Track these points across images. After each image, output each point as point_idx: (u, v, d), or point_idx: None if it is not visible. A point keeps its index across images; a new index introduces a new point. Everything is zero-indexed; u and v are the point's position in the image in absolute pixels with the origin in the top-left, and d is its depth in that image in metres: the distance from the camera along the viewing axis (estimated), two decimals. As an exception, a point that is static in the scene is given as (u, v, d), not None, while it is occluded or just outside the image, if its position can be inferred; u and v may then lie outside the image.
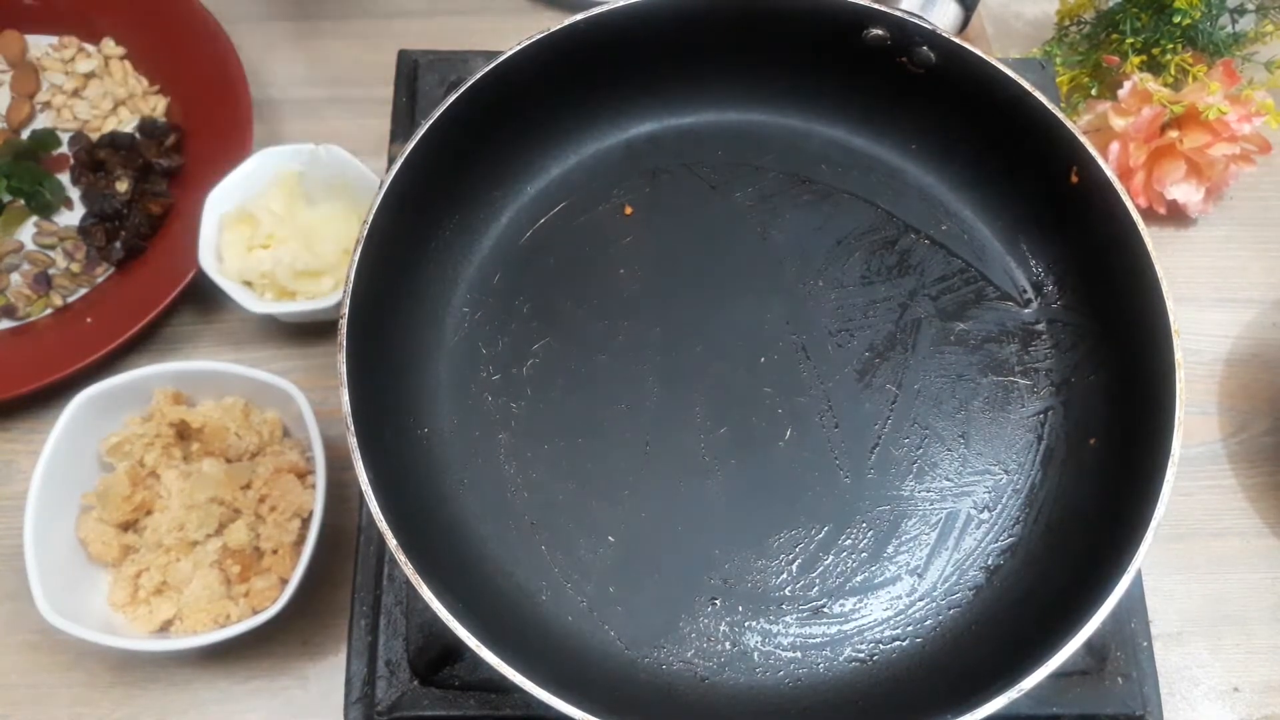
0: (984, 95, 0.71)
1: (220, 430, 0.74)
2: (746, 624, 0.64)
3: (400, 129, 0.81)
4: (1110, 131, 0.89)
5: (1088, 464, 0.68)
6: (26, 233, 0.87)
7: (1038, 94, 0.69)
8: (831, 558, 0.66)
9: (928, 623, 0.65)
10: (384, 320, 0.66)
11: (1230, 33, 0.92)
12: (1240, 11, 0.91)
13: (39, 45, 0.95)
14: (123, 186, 0.85)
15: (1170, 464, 0.59)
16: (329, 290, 0.80)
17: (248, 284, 0.80)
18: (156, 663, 0.73)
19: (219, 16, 0.91)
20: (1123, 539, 0.58)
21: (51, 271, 0.85)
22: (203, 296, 0.83)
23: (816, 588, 0.65)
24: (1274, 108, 0.86)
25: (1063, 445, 0.70)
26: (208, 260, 0.78)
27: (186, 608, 0.69)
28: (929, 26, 0.70)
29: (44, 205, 0.88)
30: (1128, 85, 0.88)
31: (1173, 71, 0.89)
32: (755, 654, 0.63)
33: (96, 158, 0.88)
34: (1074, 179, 0.69)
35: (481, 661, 0.52)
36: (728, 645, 0.64)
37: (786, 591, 0.65)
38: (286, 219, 0.81)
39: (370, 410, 0.59)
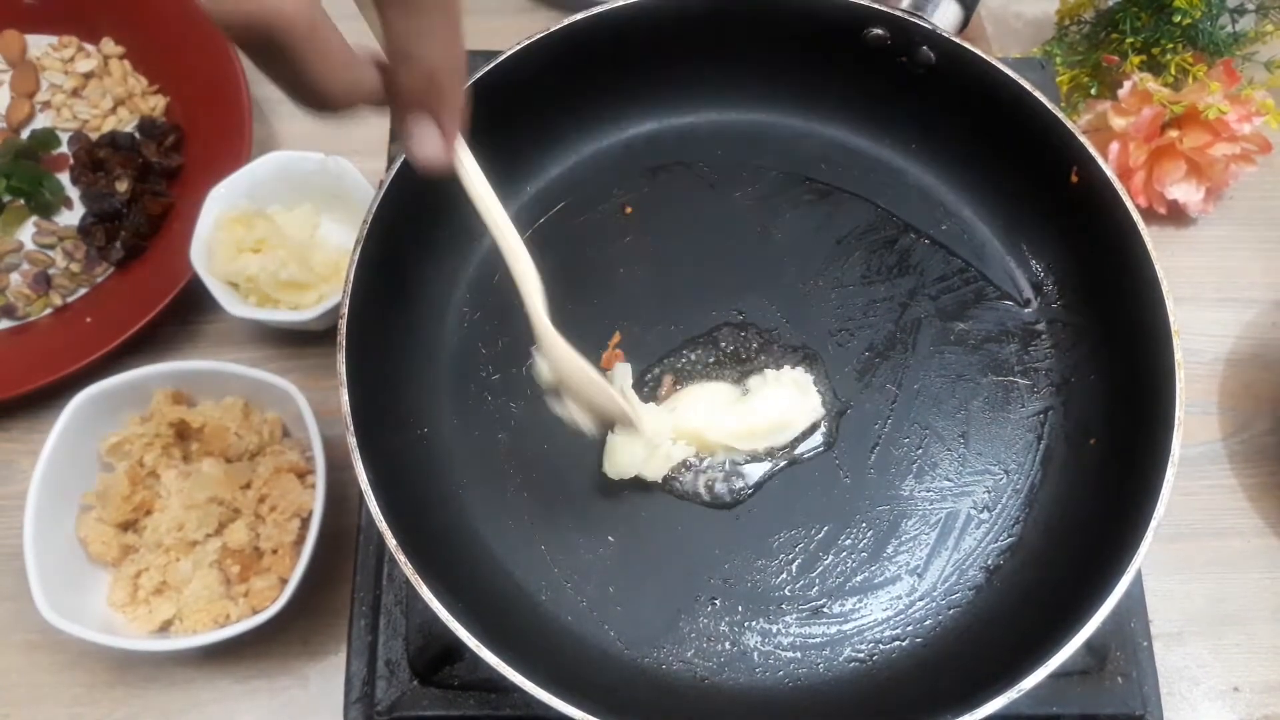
0: (984, 95, 0.71)
1: (220, 430, 0.74)
2: (746, 624, 0.64)
3: (400, 129, 0.81)
4: (1110, 131, 0.89)
5: (1088, 464, 0.68)
6: (26, 232, 0.87)
7: (1038, 94, 0.69)
8: (831, 557, 0.66)
9: (927, 623, 0.65)
10: (384, 320, 0.65)
11: (1230, 32, 0.91)
12: (1240, 11, 0.91)
13: (39, 45, 0.95)
14: (122, 186, 0.85)
15: (1170, 464, 0.59)
16: (313, 303, 0.79)
17: (234, 285, 0.80)
18: (156, 663, 0.73)
19: (219, 16, 0.91)
20: (1123, 539, 0.58)
21: (51, 271, 0.85)
22: (202, 296, 0.83)
23: (816, 588, 0.65)
24: (1274, 107, 0.86)
25: (1063, 445, 0.70)
26: (198, 256, 0.78)
27: (186, 608, 0.69)
28: (929, 26, 0.70)
29: (44, 205, 0.87)
30: (1128, 85, 0.88)
31: (1173, 71, 0.89)
32: (755, 654, 0.63)
33: (96, 157, 0.88)
34: (1074, 179, 0.69)
35: (481, 661, 0.52)
36: (727, 645, 0.63)
37: (786, 591, 0.65)
38: (282, 226, 0.81)
39: (370, 410, 0.59)
